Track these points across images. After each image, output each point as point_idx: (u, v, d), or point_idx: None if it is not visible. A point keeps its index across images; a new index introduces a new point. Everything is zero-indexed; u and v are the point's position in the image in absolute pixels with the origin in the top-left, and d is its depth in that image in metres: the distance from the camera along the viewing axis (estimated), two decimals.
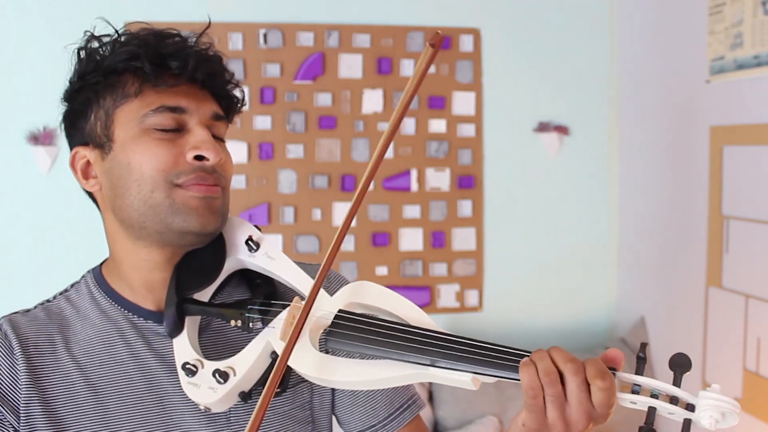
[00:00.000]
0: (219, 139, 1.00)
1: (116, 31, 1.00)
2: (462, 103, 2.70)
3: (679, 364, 0.76)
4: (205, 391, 0.90)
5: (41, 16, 2.42)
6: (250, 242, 0.99)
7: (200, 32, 1.02)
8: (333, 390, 1.06)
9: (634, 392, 0.77)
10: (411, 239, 2.70)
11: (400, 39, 2.65)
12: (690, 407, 0.75)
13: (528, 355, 0.80)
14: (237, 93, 1.05)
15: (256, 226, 1.02)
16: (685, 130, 2.39)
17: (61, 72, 2.89)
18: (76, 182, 2.95)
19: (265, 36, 2.56)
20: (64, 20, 2.43)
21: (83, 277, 1.06)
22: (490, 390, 2.51)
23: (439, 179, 2.70)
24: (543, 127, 2.75)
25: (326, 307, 0.90)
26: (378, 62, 2.64)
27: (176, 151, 0.94)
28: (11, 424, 0.93)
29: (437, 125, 2.68)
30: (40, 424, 0.93)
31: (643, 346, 0.79)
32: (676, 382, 0.76)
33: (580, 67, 2.77)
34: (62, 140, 2.49)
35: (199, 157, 0.94)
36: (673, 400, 0.76)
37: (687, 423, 0.74)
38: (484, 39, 2.70)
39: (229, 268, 1.01)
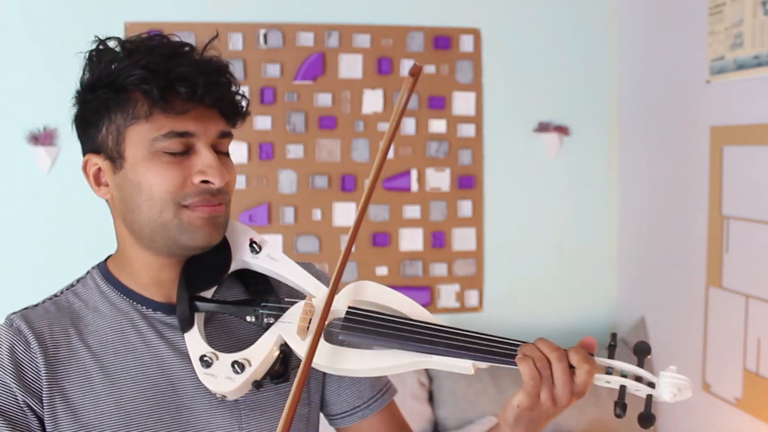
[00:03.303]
0: (224, 154, 1.05)
1: (121, 42, 1.01)
2: (462, 103, 2.70)
3: (642, 350, 0.92)
4: (223, 380, 0.98)
5: (42, 15, 2.42)
6: (253, 245, 1.07)
7: (206, 45, 1.04)
8: (324, 374, 1.15)
9: (608, 373, 0.92)
10: (411, 239, 2.70)
11: (400, 39, 2.65)
12: (651, 385, 0.90)
13: (517, 345, 0.94)
14: (243, 102, 1.08)
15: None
16: (685, 130, 2.39)
17: (61, 72, 2.88)
18: (75, 182, 2.93)
19: (265, 36, 2.56)
20: (64, 20, 2.43)
21: (88, 272, 1.11)
22: (490, 390, 2.51)
23: (439, 179, 2.70)
24: (543, 127, 2.75)
25: (336, 304, 0.99)
26: (378, 62, 2.64)
27: (184, 174, 0.99)
28: (37, 413, 0.99)
29: (437, 125, 2.68)
30: (60, 412, 0.99)
31: (614, 336, 0.95)
32: (640, 364, 0.91)
33: (580, 67, 2.77)
34: (62, 140, 2.49)
35: (205, 180, 1.00)
36: (638, 379, 0.91)
37: (649, 398, 0.90)
38: (484, 39, 2.70)
39: (233, 268, 1.08)
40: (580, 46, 2.76)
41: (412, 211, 2.69)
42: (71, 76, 2.89)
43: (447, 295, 2.72)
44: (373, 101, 2.64)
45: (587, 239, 2.82)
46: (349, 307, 0.99)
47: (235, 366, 0.98)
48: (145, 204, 0.99)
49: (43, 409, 0.99)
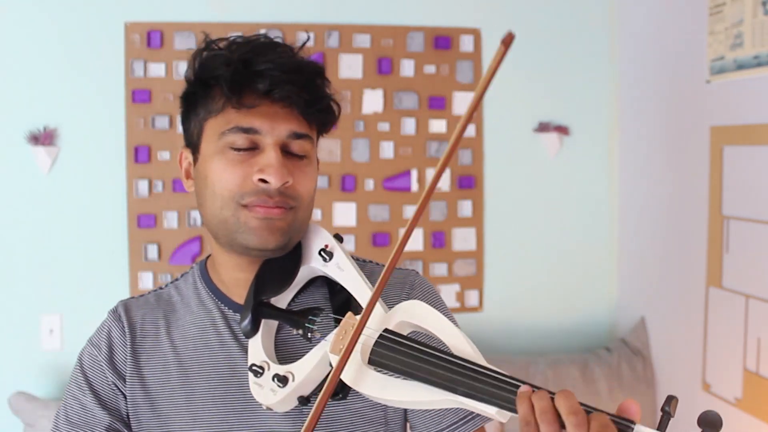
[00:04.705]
0: (297, 157, 1.03)
1: (201, 43, 1.04)
2: (462, 103, 2.70)
3: (709, 423, 0.72)
4: (267, 392, 0.96)
5: (42, 15, 2.42)
6: (323, 252, 1.04)
7: (301, 46, 1.05)
8: None
9: None
10: (411, 239, 2.68)
11: (400, 39, 2.65)
12: None
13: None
14: (332, 106, 1.07)
15: (336, 235, 1.06)
16: (685, 130, 2.39)
17: (61, 72, 2.86)
18: (75, 182, 2.92)
19: (265, 36, 2.56)
20: (64, 20, 2.43)
21: (192, 267, 1.17)
22: None
23: (440, 179, 2.70)
24: (543, 127, 2.75)
25: (376, 325, 0.93)
26: (378, 62, 2.64)
27: (245, 172, 0.99)
28: (122, 391, 1.08)
29: (437, 125, 2.68)
30: (139, 398, 1.07)
31: (669, 399, 0.75)
32: None
33: (580, 67, 2.77)
34: (62, 140, 2.49)
35: (263, 179, 0.98)
36: None
37: None
38: (484, 39, 2.70)
39: (304, 275, 1.07)
40: (580, 46, 2.76)
41: (412, 211, 2.68)
42: (72, 75, 2.88)
43: (447, 295, 2.72)
44: (373, 101, 2.64)
45: (587, 239, 2.82)
46: (385, 330, 0.92)
47: (276, 379, 0.95)
48: (209, 198, 1.01)
49: (126, 391, 1.07)
